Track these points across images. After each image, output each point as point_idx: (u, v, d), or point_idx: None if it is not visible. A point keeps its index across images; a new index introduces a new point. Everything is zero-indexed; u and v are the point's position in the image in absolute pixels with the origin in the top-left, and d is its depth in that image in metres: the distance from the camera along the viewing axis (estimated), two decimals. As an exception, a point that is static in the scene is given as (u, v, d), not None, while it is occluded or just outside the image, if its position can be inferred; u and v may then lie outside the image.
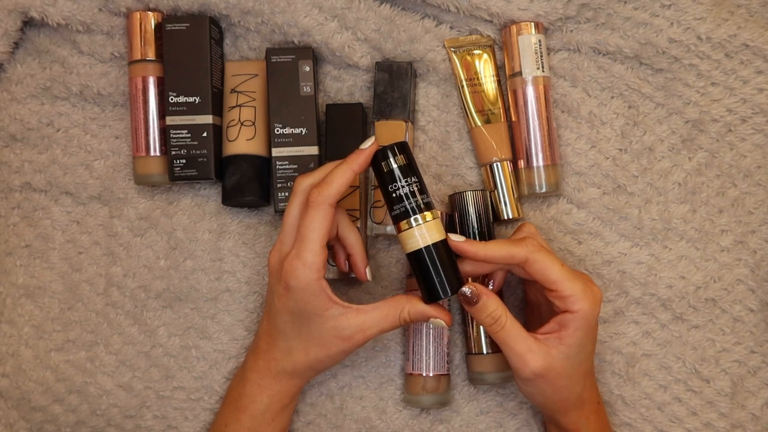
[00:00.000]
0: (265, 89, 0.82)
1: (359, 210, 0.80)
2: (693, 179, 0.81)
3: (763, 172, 0.80)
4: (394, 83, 0.80)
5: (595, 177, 0.81)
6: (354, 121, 0.81)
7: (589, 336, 0.70)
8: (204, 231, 0.84)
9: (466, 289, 0.69)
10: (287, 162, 0.79)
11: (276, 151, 0.79)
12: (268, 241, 0.83)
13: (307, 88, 0.79)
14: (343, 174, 0.69)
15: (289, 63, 0.80)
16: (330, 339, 0.71)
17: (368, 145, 0.70)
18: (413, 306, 0.71)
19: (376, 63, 0.81)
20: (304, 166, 0.79)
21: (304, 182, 0.72)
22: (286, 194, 0.79)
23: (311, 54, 0.79)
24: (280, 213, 0.80)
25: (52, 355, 0.84)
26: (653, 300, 0.81)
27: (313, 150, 0.79)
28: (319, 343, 0.72)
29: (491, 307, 0.69)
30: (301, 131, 0.79)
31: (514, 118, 0.81)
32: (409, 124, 0.80)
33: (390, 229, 0.78)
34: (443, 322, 0.71)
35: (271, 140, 0.80)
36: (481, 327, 0.80)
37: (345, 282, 0.83)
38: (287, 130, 0.79)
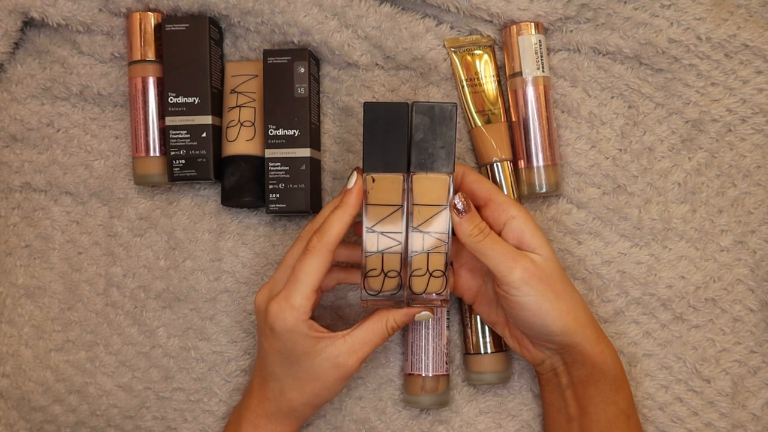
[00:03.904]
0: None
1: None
2: (693, 179, 0.81)
3: (762, 172, 0.80)
4: (437, 129, 0.70)
5: (595, 177, 0.81)
6: (398, 126, 0.70)
7: (545, 236, 0.73)
8: (203, 231, 0.84)
9: (457, 200, 0.70)
10: (279, 163, 0.79)
11: (269, 153, 0.79)
12: (267, 242, 0.83)
13: (301, 90, 0.79)
14: (340, 219, 0.70)
15: (284, 64, 0.79)
16: (324, 370, 0.71)
17: (353, 183, 0.70)
18: (396, 312, 0.72)
19: (414, 104, 0.70)
20: (296, 168, 0.79)
21: (310, 230, 0.73)
22: (278, 195, 0.79)
23: (307, 55, 0.79)
24: (272, 214, 0.80)
25: (52, 355, 0.85)
26: (653, 300, 0.81)
27: (305, 152, 0.79)
28: (313, 378, 0.72)
29: (477, 217, 0.71)
30: (294, 133, 0.79)
31: (514, 119, 0.81)
32: (453, 176, 0.71)
33: (382, 295, 0.72)
34: (429, 314, 0.72)
35: (264, 141, 0.80)
36: (479, 327, 0.80)
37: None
38: (280, 132, 0.79)
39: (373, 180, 0.70)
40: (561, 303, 0.71)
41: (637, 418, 0.76)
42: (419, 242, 0.70)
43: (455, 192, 0.71)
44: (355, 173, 0.71)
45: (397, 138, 0.70)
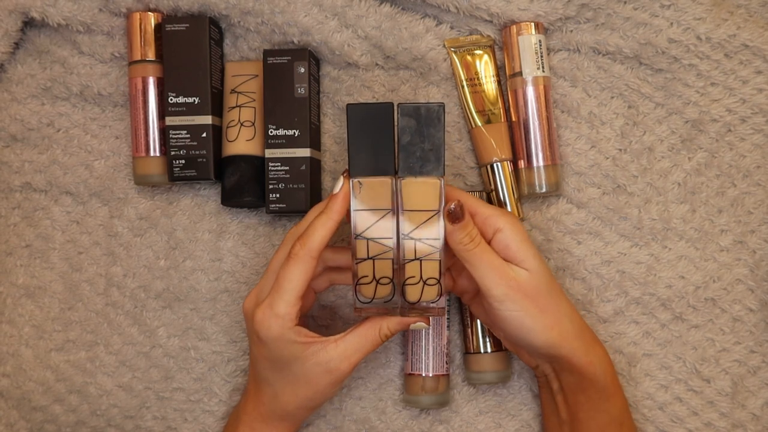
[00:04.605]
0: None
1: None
2: (693, 179, 0.81)
3: (762, 172, 0.80)
4: (424, 131, 0.67)
5: (595, 177, 0.81)
6: (383, 127, 0.68)
7: (534, 247, 0.72)
8: (204, 231, 0.84)
9: (453, 206, 0.68)
10: (279, 163, 0.79)
11: (269, 153, 0.79)
12: (267, 242, 0.84)
13: (301, 90, 0.79)
14: (323, 225, 0.69)
15: (284, 64, 0.79)
16: (315, 375, 0.70)
17: (339, 187, 0.69)
18: (390, 320, 0.71)
19: (399, 106, 0.67)
20: (296, 168, 0.79)
21: (296, 233, 0.72)
22: (278, 195, 0.79)
23: (307, 55, 0.79)
24: (272, 214, 0.80)
25: (53, 355, 0.85)
26: (653, 300, 0.81)
27: (305, 152, 0.79)
28: (305, 382, 0.71)
29: (470, 225, 0.69)
30: (294, 133, 0.79)
31: (514, 118, 0.81)
32: (444, 179, 0.68)
33: (375, 302, 0.70)
34: (424, 324, 0.71)
35: (264, 141, 0.80)
36: (479, 327, 0.80)
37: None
38: (280, 132, 0.79)
39: (360, 184, 0.68)
40: (545, 318, 0.70)
41: (631, 425, 0.76)
42: (411, 249, 0.69)
43: (446, 196, 0.69)
44: (342, 178, 0.69)
45: (384, 140, 0.68)
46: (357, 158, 0.68)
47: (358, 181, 0.68)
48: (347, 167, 0.69)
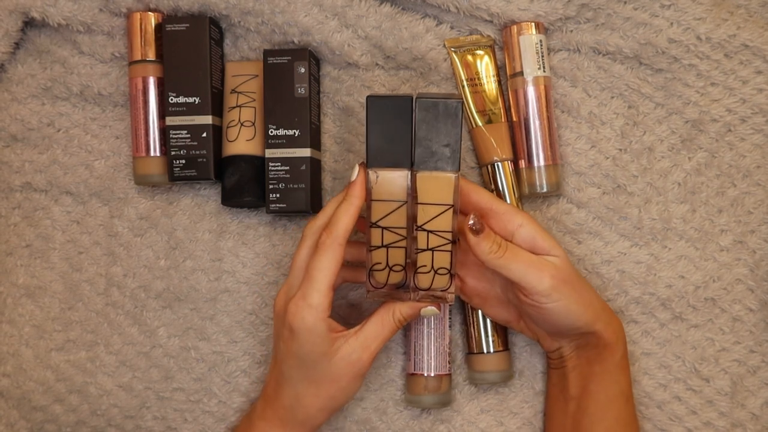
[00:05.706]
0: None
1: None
2: (693, 179, 0.81)
3: (762, 171, 0.80)
4: (441, 127, 0.67)
5: (595, 177, 0.81)
6: (402, 120, 0.68)
7: (552, 237, 0.73)
8: (204, 231, 0.84)
9: (471, 220, 0.69)
10: (279, 163, 0.79)
11: (269, 152, 0.80)
12: (268, 242, 0.84)
13: (301, 90, 0.79)
14: (347, 212, 0.70)
15: (284, 64, 0.80)
16: (339, 370, 0.71)
17: (356, 174, 0.70)
18: (402, 305, 0.72)
19: (418, 99, 0.67)
20: (296, 168, 0.79)
21: (313, 226, 0.73)
22: (278, 195, 0.79)
23: (307, 55, 0.79)
24: (272, 214, 0.80)
25: (53, 355, 0.85)
26: (653, 299, 0.81)
27: (305, 152, 0.79)
28: (329, 380, 0.72)
29: (493, 234, 0.71)
30: (294, 133, 0.79)
31: (514, 118, 0.81)
32: (458, 174, 0.69)
33: (388, 287, 0.72)
34: (435, 310, 0.73)
35: (264, 141, 0.80)
36: (481, 327, 0.80)
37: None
38: (280, 132, 0.79)
39: (377, 175, 0.70)
40: (582, 299, 0.72)
41: (634, 404, 0.77)
42: (423, 240, 0.70)
43: (461, 191, 0.71)
44: (357, 166, 0.71)
45: (401, 132, 0.69)
46: (374, 149, 0.69)
47: (375, 173, 0.69)
48: (365, 159, 0.70)
